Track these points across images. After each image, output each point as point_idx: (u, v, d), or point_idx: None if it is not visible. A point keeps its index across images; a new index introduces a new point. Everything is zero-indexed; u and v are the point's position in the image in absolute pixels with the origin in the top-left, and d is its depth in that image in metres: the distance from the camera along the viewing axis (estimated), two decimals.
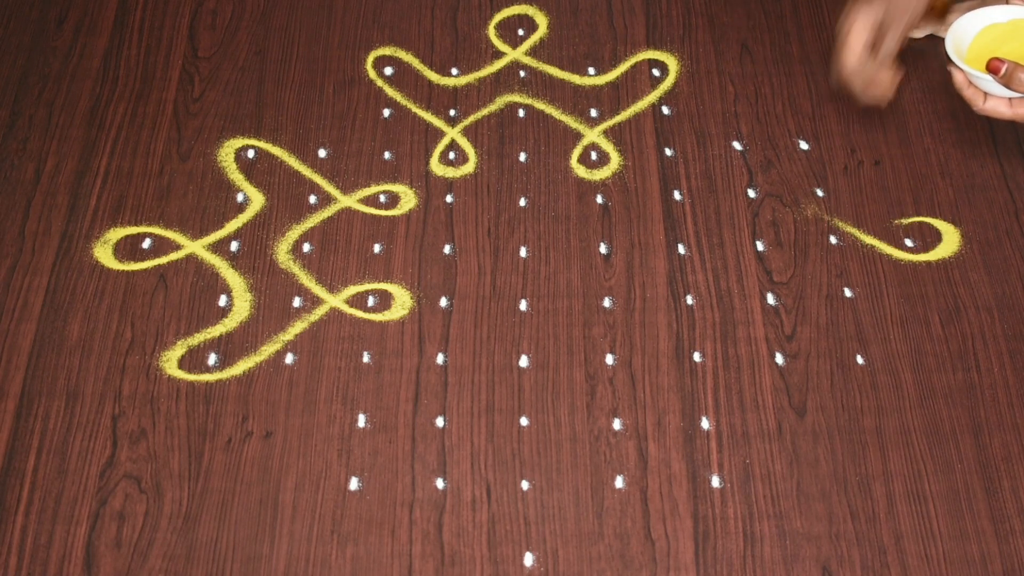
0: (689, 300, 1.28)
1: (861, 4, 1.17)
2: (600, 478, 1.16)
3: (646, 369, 1.23)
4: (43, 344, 1.25)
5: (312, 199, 1.37)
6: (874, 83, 1.19)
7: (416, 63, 1.51)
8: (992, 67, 1.11)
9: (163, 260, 1.32)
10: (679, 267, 1.31)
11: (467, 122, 1.44)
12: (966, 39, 1.16)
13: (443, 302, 1.28)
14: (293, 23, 1.55)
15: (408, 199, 1.37)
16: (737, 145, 1.41)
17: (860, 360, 1.23)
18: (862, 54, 1.17)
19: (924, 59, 1.48)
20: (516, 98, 1.47)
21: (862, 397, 1.21)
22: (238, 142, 1.42)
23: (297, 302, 1.29)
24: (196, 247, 1.33)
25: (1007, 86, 1.10)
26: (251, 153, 1.41)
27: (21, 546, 1.12)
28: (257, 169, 1.40)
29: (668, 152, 1.41)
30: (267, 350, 1.25)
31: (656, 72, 1.49)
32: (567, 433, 1.19)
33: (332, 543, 1.12)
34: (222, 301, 1.29)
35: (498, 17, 1.56)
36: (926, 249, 1.32)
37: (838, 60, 1.20)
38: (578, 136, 1.43)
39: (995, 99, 1.14)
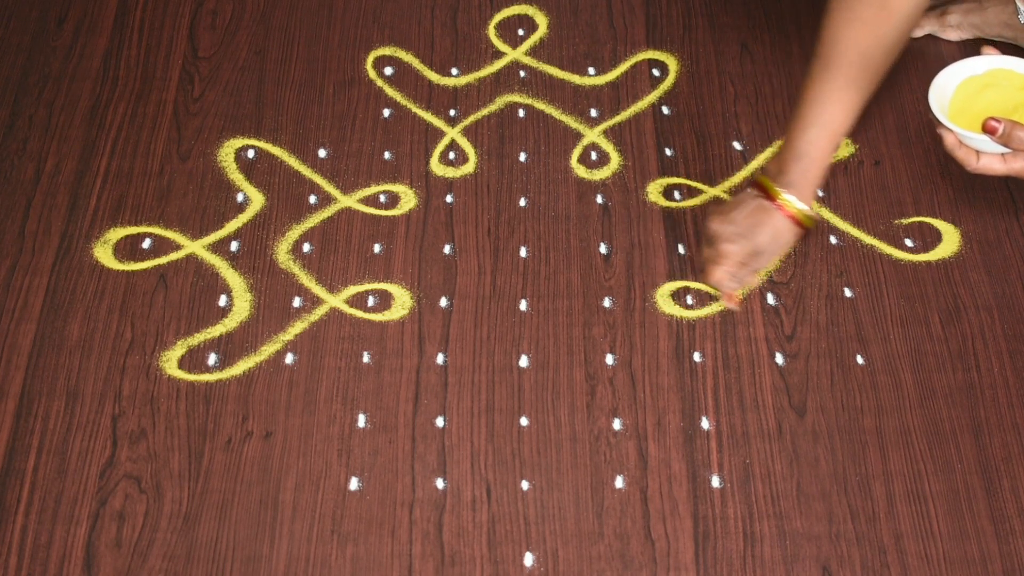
0: (689, 300, 1.28)
1: (738, 222, 1.21)
2: (600, 478, 1.16)
3: (646, 369, 1.23)
4: (43, 344, 1.25)
5: (312, 199, 1.37)
6: (732, 297, 1.26)
7: (416, 63, 1.51)
8: (988, 128, 1.09)
9: (163, 260, 1.32)
10: (679, 267, 1.31)
11: (467, 122, 1.44)
12: (946, 96, 1.15)
13: (443, 302, 1.28)
14: (293, 23, 1.55)
15: (408, 199, 1.37)
16: (737, 145, 1.41)
17: (860, 360, 1.23)
18: (730, 272, 1.23)
19: (924, 59, 1.48)
20: (516, 98, 1.47)
21: (862, 397, 1.21)
22: (238, 142, 1.43)
23: (297, 302, 1.29)
24: (196, 247, 1.33)
25: (1006, 145, 1.09)
26: (251, 153, 1.41)
27: (21, 546, 1.12)
28: (257, 169, 1.40)
29: (668, 152, 1.41)
30: (267, 350, 1.25)
31: (656, 72, 1.49)
32: (567, 433, 1.19)
33: (332, 543, 1.12)
34: (222, 301, 1.29)
35: (498, 17, 1.56)
36: (926, 249, 1.32)
37: (706, 268, 1.25)
38: (578, 136, 1.43)
39: (988, 156, 1.13)
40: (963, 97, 1.15)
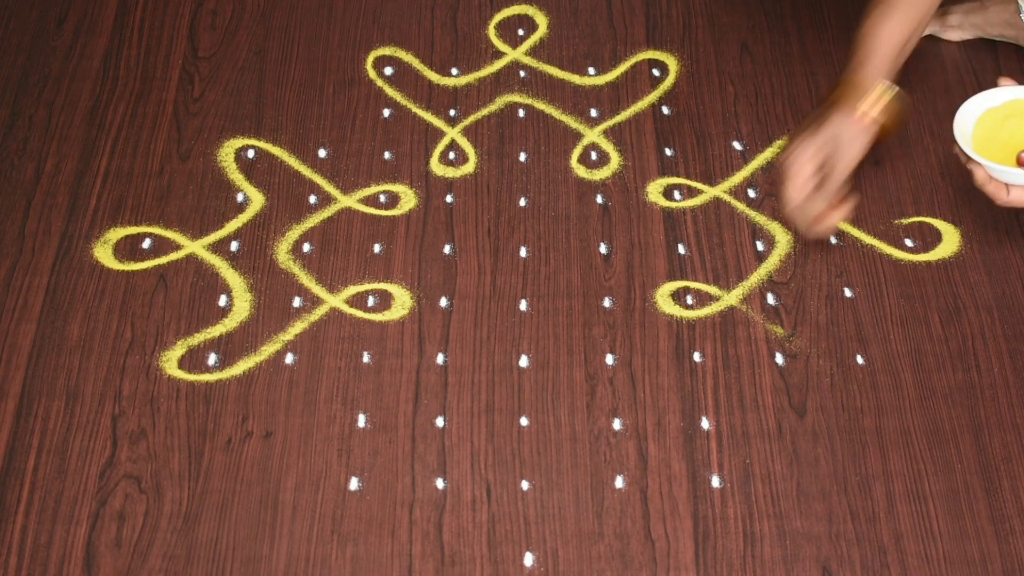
0: (689, 300, 1.28)
1: (804, 139, 1.16)
2: (600, 478, 1.16)
3: (646, 369, 1.23)
4: (43, 344, 1.25)
5: (312, 199, 1.37)
6: (820, 218, 1.18)
7: (416, 63, 1.51)
8: (1023, 161, 1.10)
9: (163, 260, 1.32)
10: (679, 267, 1.31)
11: (467, 122, 1.44)
12: (968, 130, 1.15)
13: (443, 302, 1.28)
14: (293, 23, 1.55)
15: (408, 199, 1.37)
16: (737, 145, 1.41)
17: (860, 360, 1.23)
18: (806, 189, 1.17)
19: (924, 59, 1.48)
20: (516, 98, 1.47)
21: (862, 397, 1.21)
22: (238, 142, 1.43)
23: (297, 302, 1.29)
24: (196, 247, 1.33)
25: None
26: (251, 153, 1.41)
27: (21, 546, 1.12)
28: (257, 169, 1.40)
29: (668, 152, 1.41)
30: (267, 350, 1.25)
31: (656, 72, 1.49)
32: (567, 433, 1.19)
33: (332, 543, 1.12)
34: (222, 301, 1.29)
35: (498, 17, 1.56)
36: (926, 249, 1.32)
37: (783, 194, 1.18)
38: (578, 136, 1.43)
39: (1019, 189, 1.13)
40: (984, 130, 1.15)
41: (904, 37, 1.13)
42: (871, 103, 1.15)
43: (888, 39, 1.12)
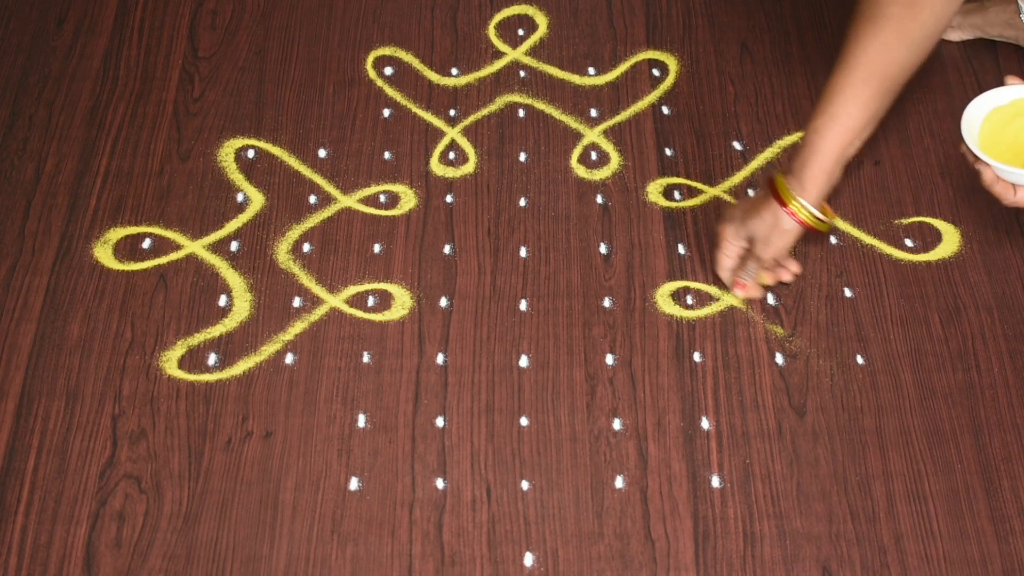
0: (689, 300, 1.28)
1: (742, 213, 1.22)
2: (600, 478, 1.16)
3: (646, 369, 1.23)
4: (43, 344, 1.25)
5: (312, 199, 1.37)
6: (742, 284, 1.26)
7: (416, 63, 1.51)
8: None
9: (163, 260, 1.32)
10: (679, 267, 1.31)
11: (467, 122, 1.44)
12: (975, 129, 1.15)
13: (443, 302, 1.28)
14: (293, 23, 1.55)
15: (408, 199, 1.37)
16: (737, 145, 1.41)
17: (860, 360, 1.23)
18: (734, 262, 1.26)
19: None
20: (516, 98, 1.47)
21: (862, 397, 1.21)
22: (238, 142, 1.43)
23: (297, 302, 1.29)
24: (196, 247, 1.33)
25: None
26: (251, 153, 1.41)
27: (21, 546, 1.12)
28: (257, 169, 1.40)
29: (668, 152, 1.41)
30: (267, 350, 1.25)
31: (656, 72, 1.49)
32: (567, 433, 1.19)
33: (332, 543, 1.12)
34: (222, 301, 1.29)
35: (498, 17, 1.56)
36: (926, 249, 1.32)
37: (714, 257, 1.27)
38: (578, 136, 1.43)
39: None
40: (991, 129, 1.15)
41: (849, 139, 1.15)
42: (807, 206, 1.18)
43: (834, 142, 1.15)
